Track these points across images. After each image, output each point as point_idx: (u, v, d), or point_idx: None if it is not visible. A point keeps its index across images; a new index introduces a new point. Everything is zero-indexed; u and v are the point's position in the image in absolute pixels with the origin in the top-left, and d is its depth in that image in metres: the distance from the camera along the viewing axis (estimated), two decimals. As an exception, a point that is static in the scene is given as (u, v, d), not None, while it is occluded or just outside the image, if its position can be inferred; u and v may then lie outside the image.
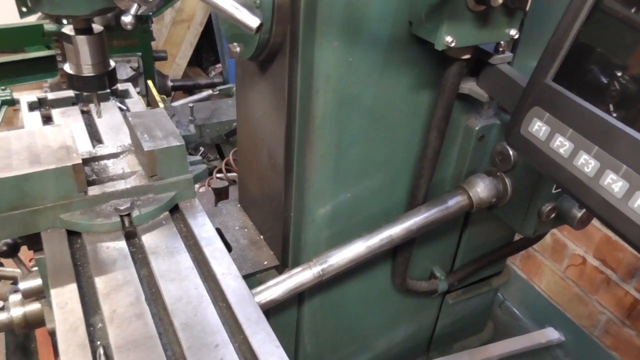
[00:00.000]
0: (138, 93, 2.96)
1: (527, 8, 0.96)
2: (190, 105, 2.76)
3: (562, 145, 0.79)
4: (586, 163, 0.76)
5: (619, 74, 0.75)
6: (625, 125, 0.74)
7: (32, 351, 1.66)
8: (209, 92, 3.30)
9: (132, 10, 0.82)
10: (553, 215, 1.34)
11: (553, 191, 1.32)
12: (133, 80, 3.01)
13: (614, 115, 0.76)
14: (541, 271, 2.39)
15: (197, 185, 2.16)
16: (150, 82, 2.82)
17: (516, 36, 1.08)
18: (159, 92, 2.81)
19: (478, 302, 1.89)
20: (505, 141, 0.97)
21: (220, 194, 2.01)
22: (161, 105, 2.47)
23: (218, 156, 3.00)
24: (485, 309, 1.98)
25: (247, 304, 0.95)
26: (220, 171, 2.44)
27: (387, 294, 1.61)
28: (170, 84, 3.45)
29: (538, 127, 0.82)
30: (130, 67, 3.00)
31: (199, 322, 0.89)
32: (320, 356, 1.63)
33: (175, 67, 4.28)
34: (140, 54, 3.03)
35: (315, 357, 1.62)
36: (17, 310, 1.13)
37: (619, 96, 0.76)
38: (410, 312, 1.74)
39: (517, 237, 1.75)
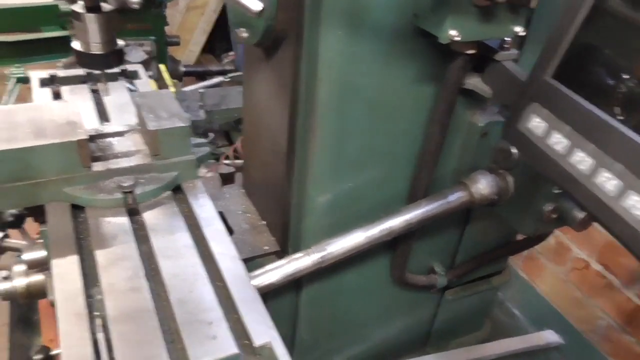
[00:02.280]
0: (150, 77, 2.98)
1: (531, 5, 0.97)
2: (201, 90, 2.78)
3: (558, 142, 0.79)
4: (582, 160, 0.76)
5: (619, 72, 0.76)
6: (623, 124, 0.75)
7: (34, 323, 1.70)
8: (220, 78, 3.32)
9: (141, -11, 0.83)
10: (554, 215, 1.34)
11: (555, 191, 1.32)
12: (146, 63, 3.03)
13: (612, 114, 0.76)
14: (543, 273, 2.39)
15: (204, 170, 2.18)
16: (162, 66, 2.83)
17: (521, 33, 1.08)
18: (171, 77, 2.82)
19: (477, 300, 1.90)
20: (502, 136, 0.98)
21: (227, 180, 2.03)
22: (172, 90, 2.49)
23: (227, 142, 3.02)
24: (484, 308, 1.99)
25: (243, 284, 0.96)
26: (227, 157, 2.46)
27: (385, 286, 1.62)
28: (182, 69, 3.47)
29: (536, 123, 0.83)
30: (143, 51, 3.02)
31: (194, 298, 0.91)
32: (316, 344, 1.65)
33: (189, 53, 4.30)
34: (153, 38, 3.06)
35: (312, 344, 1.64)
36: (20, 280, 1.16)
37: (618, 95, 0.76)
38: (408, 306, 1.75)
39: (520, 236, 1.75)
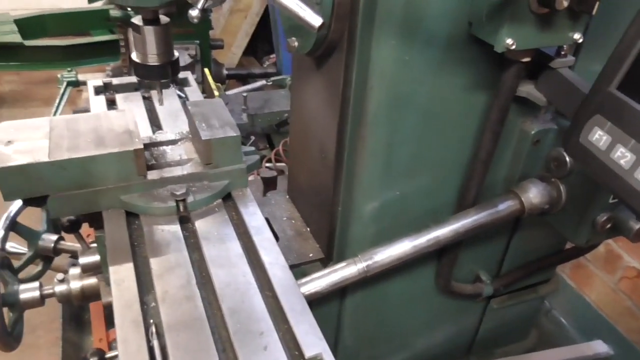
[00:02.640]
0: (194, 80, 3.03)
1: (594, 12, 0.93)
2: (244, 94, 2.81)
3: (623, 156, 0.77)
4: (648, 176, 0.74)
5: (690, 85, 0.73)
6: (693, 139, 0.71)
7: (85, 322, 1.76)
8: (263, 82, 3.35)
9: (199, 4, 0.85)
10: (609, 225, 1.30)
11: (610, 201, 1.27)
12: (190, 67, 3.09)
13: (682, 128, 0.73)
14: (592, 281, 2.31)
15: (247, 174, 2.21)
16: (206, 70, 2.88)
17: (580, 40, 1.05)
18: (214, 80, 2.87)
19: (523, 308, 1.85)
20: (562, 148, 0.95)
21: (269, 184, 2.05)
22: (216, 93, 2.53)
23: (267, 145, 3.05)
24: (530, 317, 1.94)
25: (292, 294, 0.97)
26: (269, 161, 2.49)
27: (430, 294, 1.60)
28: (225, 72, 3.52)
29: (598, 136, 0.80)
30: (189, 55, 3.08)
31: (245, 308, 0.92)
32: (359, 350, 1.65)
33: (231, 55, 4.35)
34: (198, 42, 3.11)
35: (355, 350, 1.63)
36: (75, 283, 1.20)
37: (688, 108, 0.73)
38: (452, 314, 1.73)
39: (568, 245, 1.70)
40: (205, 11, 0.88)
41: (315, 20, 0.84)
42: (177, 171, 1.10)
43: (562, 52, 1.10)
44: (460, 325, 1.80)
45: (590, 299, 2.30)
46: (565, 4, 0.93)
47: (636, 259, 2.12)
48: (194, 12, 0.84)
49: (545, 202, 1.32)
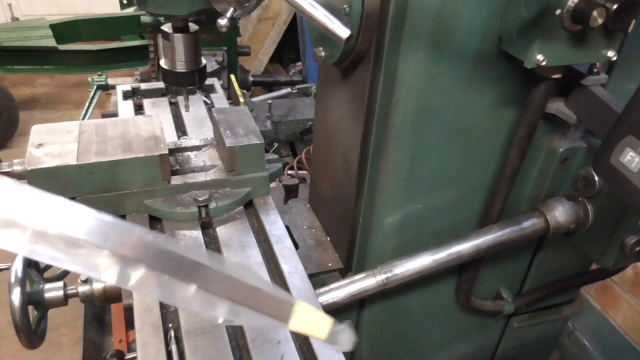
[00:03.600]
0: (220, 86, 3.06)
1: (630, 30, 0.91)
2: (269, 101, 2.82)
3: (655, 178, 0.75)
4: (681, 200, 0.71)
5: None
6: None
7: (106, 322, 1.78)
8: (288, 89, 3.37)
9: (229, 14, 0.86)
10: (638, 248, 1.27)
11: (640, 223, 1.24)
12: (217, 73, 3.13)
13: None
14: (618, 304, 2.25)
15: (269, 181, 2.22)
16: (232, 77, 2.91)
17: (614, 58, 1.02)
18: (240, 87, 2.90)
19: (545, 328, 1.81)
20: (592, 168, 0.93)
21: (290, 191, 2.05)
22: (241, 99, 2.55)
23: (290, 153, 3.06)
24: (552, 337, 1.89)
25: (311, 304, 0.96)
26: (292, 168, 2.49)
27: (449, 310, 1.58)
28: (251, 79, 3.55)
29: (630, 158, 0.78)
30: (216, 61, 3.12)
31: (263, 317, 0.92)
32: (376, 363, 1.63)
33: (257, 62, 4.39)
34: (225, 48, 3.15)
35: (372, 363, 1.62)
36: (98, 284, 1.21)
37: None
38: (472, 331, 1.70)
39: (594, 265, 1.66)
40: (233, 19, 0.89)
41: (343, 32, 0.84)
42: (201, 177, 1.11)
43: (595, 70, 1.08)
44: (479, 342, 1.77)
45: (616, 322, 2.24)
46: (600, 21, 0.92)
47: (665, 283, 2.07)
48: (222, 21, 0.85)
49: (571, 222, 1.29)
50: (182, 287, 0.55)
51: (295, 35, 4.15)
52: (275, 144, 2.98)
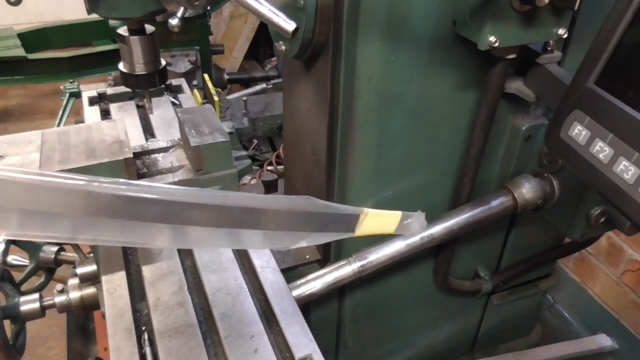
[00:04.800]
0: (195, 86, 3.05)
1: (576, 7, 0.93)
2: (244, 98, 2.82)
3: (601, 150, 0.77)
4: (626, 170, 0.73)
5: (668, 77, 0.73)
6: (671, 131, 0.71)
7: (90, 331, 1.77)
8: (264, 85, 3.37)
9: (179, 13, 0.86)
10: (603, 219, 1.30)
11: (605, 194, 1.27)
12: (191, 73, 3.11)
13: (661, 120, 0.73)
14: (595, 275, 2.30)
15: (248, 177, 2.22)
16: (206, 76, 2.91)
17: (565, 35, 1.04)
18: (216, 85, 2.89)
19: (525, 304, 1.85)
20: (544, 144, 0.95)
21: (270, 187, 2.06)
22: (216, 98, 2.54)
23: (270, 149, 3.06)
24: (532, 312, 1.93)
25: (283, 297, 0.98)
26: (271, 164, 2.50)
27: (429, 292, 1.61)
28: (226, 77, 3.54)
29: (578, 131, 0.80)
30: (189, 61, 3.10)
31: (236, 312, 0.94)
32: (361, 350, 1.65)
33: (232, 60, 4.37)
34: (198, 48, 3.13)
35: (357, 351, 1.64)
36: (75, 293, 1.22)
37: (666, 101, 0.73)
38: (453, 311, 1.73)
39: (567, 239, 1.69)
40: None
41: (288, 25, 0.85)
42: (168, 178, 1.11)
43: (549, 48, 1.10)
44: (462, 322, 1.80)
45: (594, 292, 2.29)
46: (547, 0, 0.93)
47: (639, 252, 2.11)
48: (173, 21, 0.86)
49: (538, 198, 1.32)
50: (249, 234, 0.61)
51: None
52: (255, 141, 2.98)
